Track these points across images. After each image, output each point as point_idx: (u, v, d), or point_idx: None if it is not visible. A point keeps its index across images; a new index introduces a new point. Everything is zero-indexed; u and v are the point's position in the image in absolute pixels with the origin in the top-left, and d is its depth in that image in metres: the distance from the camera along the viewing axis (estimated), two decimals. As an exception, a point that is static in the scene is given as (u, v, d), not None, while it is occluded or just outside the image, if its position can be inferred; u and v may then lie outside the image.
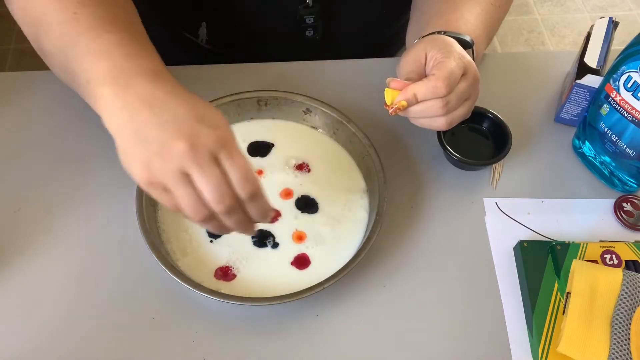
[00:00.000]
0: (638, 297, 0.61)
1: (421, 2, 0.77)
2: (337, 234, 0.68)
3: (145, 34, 0.64)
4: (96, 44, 0.57)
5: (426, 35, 0.68)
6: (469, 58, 0.65)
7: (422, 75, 0.64)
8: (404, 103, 0.62)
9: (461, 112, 0.64)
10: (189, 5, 0.84)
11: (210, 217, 0.52)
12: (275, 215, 0.63)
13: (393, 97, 0.62)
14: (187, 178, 0.50)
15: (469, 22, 0.71)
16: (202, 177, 0.49)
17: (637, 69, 0.64)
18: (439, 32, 0.67)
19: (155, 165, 0.50)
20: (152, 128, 0.50)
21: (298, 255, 0.66)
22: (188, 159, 0.49)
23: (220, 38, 0.88)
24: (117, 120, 0.53)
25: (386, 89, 0.63)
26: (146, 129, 0.51)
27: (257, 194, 0.52)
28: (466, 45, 0.67)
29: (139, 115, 0.51)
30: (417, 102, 0.62)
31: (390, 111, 0.63)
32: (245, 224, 0.54)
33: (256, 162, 0.73)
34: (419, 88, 0.61)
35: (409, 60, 0.65)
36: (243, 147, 0.74)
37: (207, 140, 0.50)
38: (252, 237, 0.67)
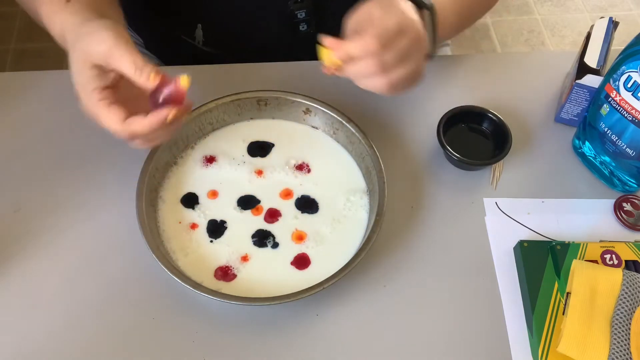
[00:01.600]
0: (638, 297, 0.61)
1: None
2: (337, 234, 0.68)
3: None
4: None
5: None
6: (413, 16, 0.61)
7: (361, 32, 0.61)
8: (338, 62, 0.59)
9: (401, 73, 0.61)
10: (183, 7, 0.85)
11: (133, 136, 0.60)
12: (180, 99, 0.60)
13: (328, 56, 0.60)
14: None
15: None
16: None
17: (637, 69, 0.64)
18: None
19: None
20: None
21: (298, 255, 0.66)
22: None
23: (216, 39, 0.88)
24: (72, 35, 0.62)
25: (321, 48, 0.60)
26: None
27: (133, 136, 0.60)
28: (421, 5, 0.64)
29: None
30: (352, 60, 0.59)
31: (326, 71, 0.60)
32: (157, 130, 0.60)
33: (256, 162, 0.73)
34: (350, 45, 0.58)
35: (352, 20, 0.62)
36: (243, 147, 0.74)
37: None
38: (252, 237, 0.67)
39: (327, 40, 0.60)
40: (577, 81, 0.73)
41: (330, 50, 0.60)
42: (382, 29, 0.58)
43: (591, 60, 0.74)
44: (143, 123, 0.59)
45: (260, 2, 0.82)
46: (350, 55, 0.59)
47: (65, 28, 0.64)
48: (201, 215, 0.69)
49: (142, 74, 0.58)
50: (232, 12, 0.84)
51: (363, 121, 0.73)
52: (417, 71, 0.63)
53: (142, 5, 0.89)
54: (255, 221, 0.69)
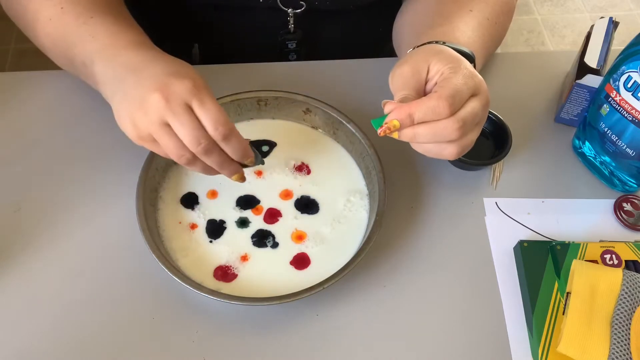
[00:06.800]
0: (638, 297, 0.61)
1: (410, 15, 0.75)
2: (337, 234, 0.68)
3: (128, 13, 0.69)
4: (83, 29, 0.63)
5: (422, 45, 0.61)
6: (480, 77, 0.57)
7: (420, 92, 0.57)
8: (396, 123, 0.54)
9: (472, 138, 0.57)
10: (182, 30, 0.88)
11: (193, 160, 0.57)
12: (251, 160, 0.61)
13: (388, 118, 0.55)
14: (167, 127, 0.55)
15: (466, 34, 0.65)
16: (177, 123, 0.55)
17: (637, 69, 0.64)
18: (437, 42, 0.60)
19: (139, 120, 0.55)
20: (134, 88, 0.56)
21: (298, 255, 0.66)
22: (164, 109, 0.54)
23: (213, 57, 0.91)
24: (109, 89, 0.59)
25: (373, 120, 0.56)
26: (130, 90, 0.56)
27: (229, 135, 0.56)
28: (467, 58, 0.60)
29: (125, 81, 0.57)
30: (413, 123, 0.54)
31: (379, 131, 0.55)
32: (226, 164, 0.59)
33: (256, 162, 0.73)
34: (416, 107, 0.53)
35: (405, 71, 0.57)
36: (243, 147, 0.74)
37: (179, 90, 0.55)
38: (252, 237, 0.67)
39: (388, 104, 0.55)
40: (577, 81, 0.73)
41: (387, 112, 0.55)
42: (454, 91, 0.53)
43: (591, 60, 0.74)
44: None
45: (251, 30, 0.83)
46: (413, 118, 0.54)
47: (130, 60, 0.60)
48: (201, 216, 0.69)
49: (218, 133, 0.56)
50: (229, 34, 0.86)
51: (363, 121, 0.73)
52: (478, 134, 0.59)
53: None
54: (255, 221, 0.69)
